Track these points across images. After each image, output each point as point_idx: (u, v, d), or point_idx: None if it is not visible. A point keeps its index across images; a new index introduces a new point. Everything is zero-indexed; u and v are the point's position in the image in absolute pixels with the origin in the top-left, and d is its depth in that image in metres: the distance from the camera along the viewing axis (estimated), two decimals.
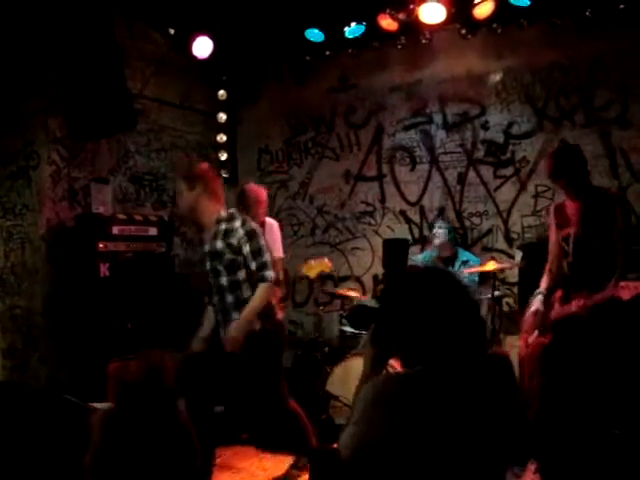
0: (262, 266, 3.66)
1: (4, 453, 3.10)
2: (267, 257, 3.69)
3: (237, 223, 3.71)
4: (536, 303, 4.04)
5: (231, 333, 3.67)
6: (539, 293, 4.08)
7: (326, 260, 5.55)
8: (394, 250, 5.83)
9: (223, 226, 3.73)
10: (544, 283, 4.10)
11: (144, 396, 2.45)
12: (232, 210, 3.84)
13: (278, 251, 5.14)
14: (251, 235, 3.68)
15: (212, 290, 3.85)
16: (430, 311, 1.88)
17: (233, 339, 3.66)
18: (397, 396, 1.79)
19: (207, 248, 3.80)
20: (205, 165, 4.01)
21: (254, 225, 3.78)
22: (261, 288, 3.67)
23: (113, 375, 2.79)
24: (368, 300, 5.67)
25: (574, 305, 3.77)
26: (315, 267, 5.46)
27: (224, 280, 3.74)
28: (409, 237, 6.23)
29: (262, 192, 5.14)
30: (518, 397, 2.02)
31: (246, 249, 3.66)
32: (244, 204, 4.94)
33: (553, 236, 4.12)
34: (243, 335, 3.63)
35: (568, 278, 3.95)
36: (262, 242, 3.71)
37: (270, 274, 3.67)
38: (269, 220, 5.24)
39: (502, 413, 1.86)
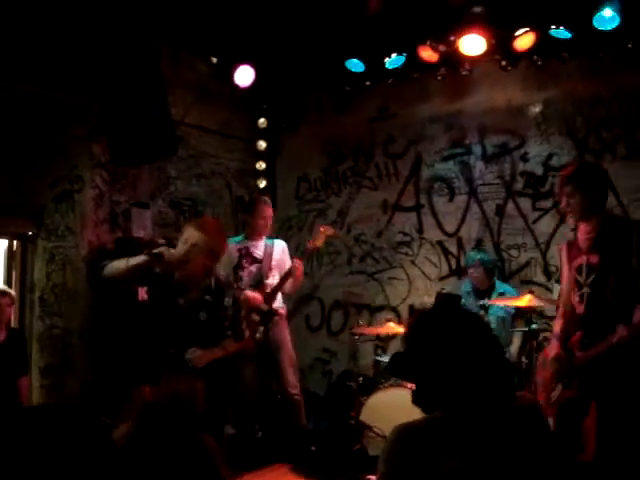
0: None
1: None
2: None
3: None
4: (553, 349, 3.56)
5: None
6: (552, 338, 3.67)
7: (324, 227, 5.53)
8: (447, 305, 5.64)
9: None
10: (557, 326, 3.65)
11: (164, 418, 2.47)
12: None
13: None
14: None
15: None
16: (452, 353, 1.82)
17: None
18: (416, 445, 1.73)
19: None
20: None
21: None
22: None
23: (140, 397, 2.82)
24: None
25: (604, 344, 3.28)
26: (320, 237, 5.42)
27: None
28: (446, 268, 6.22)
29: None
30: (552, 446, 1.88)
31: None
32: None
33: (565, 277, 3.67)
34: None
35: (585, 317, 3.45)
36: None
37: None
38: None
39: (533, 464, 1.77)
